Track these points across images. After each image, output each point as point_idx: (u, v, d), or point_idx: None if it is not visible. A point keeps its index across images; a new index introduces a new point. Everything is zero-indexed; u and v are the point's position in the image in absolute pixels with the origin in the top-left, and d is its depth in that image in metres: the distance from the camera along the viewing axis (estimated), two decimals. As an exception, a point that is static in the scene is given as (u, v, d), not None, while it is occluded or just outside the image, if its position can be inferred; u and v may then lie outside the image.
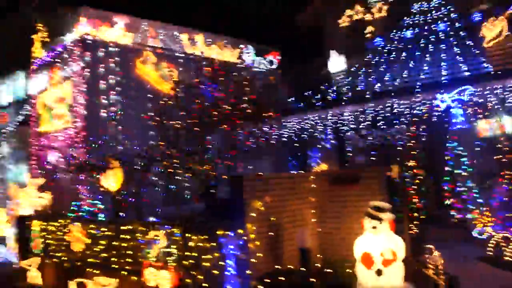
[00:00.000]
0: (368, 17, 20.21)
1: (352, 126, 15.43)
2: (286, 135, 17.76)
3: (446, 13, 16.73)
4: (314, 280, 6.70)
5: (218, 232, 6.95)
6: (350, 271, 6.80)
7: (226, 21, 26.42)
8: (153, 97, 15.26)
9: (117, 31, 16.53)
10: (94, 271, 9.38)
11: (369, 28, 19.98)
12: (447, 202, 13.23)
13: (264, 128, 15.94)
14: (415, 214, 9.45)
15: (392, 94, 14.02)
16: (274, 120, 11.61)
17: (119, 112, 15.09)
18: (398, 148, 14.20)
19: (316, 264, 7.30)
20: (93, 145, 13.36)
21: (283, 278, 6.64)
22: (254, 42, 21.64)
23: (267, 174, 7.93)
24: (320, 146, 18.22)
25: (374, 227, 6.63)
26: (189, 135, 10.32)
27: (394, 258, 6.54)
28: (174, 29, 19.47)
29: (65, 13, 18.51)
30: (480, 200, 13.02)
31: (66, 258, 10.41)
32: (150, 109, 12.88)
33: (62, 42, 16.78)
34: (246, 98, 10.64)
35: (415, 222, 9.44)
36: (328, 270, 7.10)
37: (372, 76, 16.17)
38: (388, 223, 6.66)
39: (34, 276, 11.13)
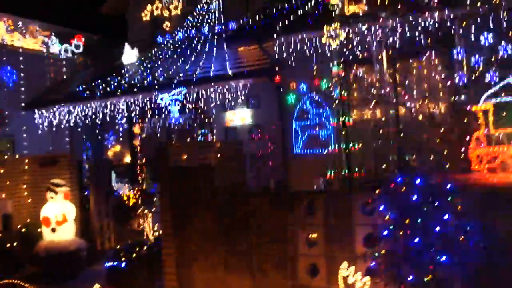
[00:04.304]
0: (165, 13, 22.58)
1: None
2: (81, 119, 19.72)
3: (217, 18, 19.57)
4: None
5: None
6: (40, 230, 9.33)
7: (30, 4, 27.05)
8: None
9: None
10: None
11: (166, 24, 22.40)
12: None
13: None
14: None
15: (156, 87, 16.70)
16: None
17: None
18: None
19: (18, 226, 9.76)
20: None
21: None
22: (57, 25, 22.98)
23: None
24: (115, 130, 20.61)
25: (51, 197, 9.22)
26: None
27: (64, 220, 9.17)
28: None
29: None
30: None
31: None
32: None
33: None
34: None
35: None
36: (24, 230, 9.63)
37: (155, 69, 18.63)
38: (63, 194, 9.28)
39: None
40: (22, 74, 20.31)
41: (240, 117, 17.26)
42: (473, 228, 4.58)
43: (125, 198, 12.48)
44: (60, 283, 8.86)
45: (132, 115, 18.49)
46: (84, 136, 20.98)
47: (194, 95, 16.45)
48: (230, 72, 15.78)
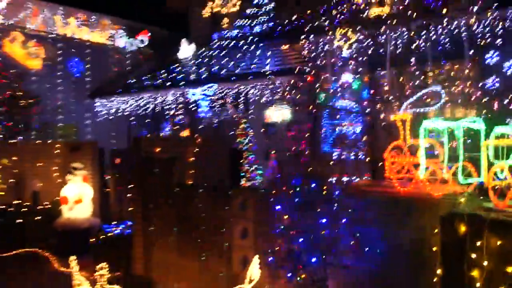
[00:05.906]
0: (224, 10, 23.42)
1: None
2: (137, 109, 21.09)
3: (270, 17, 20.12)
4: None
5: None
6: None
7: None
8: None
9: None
10: None
11: (224, 21, 23.25)
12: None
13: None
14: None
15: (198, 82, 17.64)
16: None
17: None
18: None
19: (45, 202, 11.02)
20: None
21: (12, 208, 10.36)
22: (126, 20, 24.53)
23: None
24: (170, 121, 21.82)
25: (70, 179, 10.37)
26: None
27: (80, 200, 10.27)
28: (52, 8, 22.17)
29: None
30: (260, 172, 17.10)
31: None
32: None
33: None
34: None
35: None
36: (48, 206, 10.87)
37: (204, 65, 19.55)
38: (82, 177, 10.39)
39: None
40: (88, 66, 22.03)
41: (278, 113, 17.78)
42: (371, 234, 4.95)
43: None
44: (72, 255, 9.95)
45: (179, 107, 19.54)
46: (140, 126, 22.27)
47: (235, 91, 17.23)
48: (267, 70, 16.37)
